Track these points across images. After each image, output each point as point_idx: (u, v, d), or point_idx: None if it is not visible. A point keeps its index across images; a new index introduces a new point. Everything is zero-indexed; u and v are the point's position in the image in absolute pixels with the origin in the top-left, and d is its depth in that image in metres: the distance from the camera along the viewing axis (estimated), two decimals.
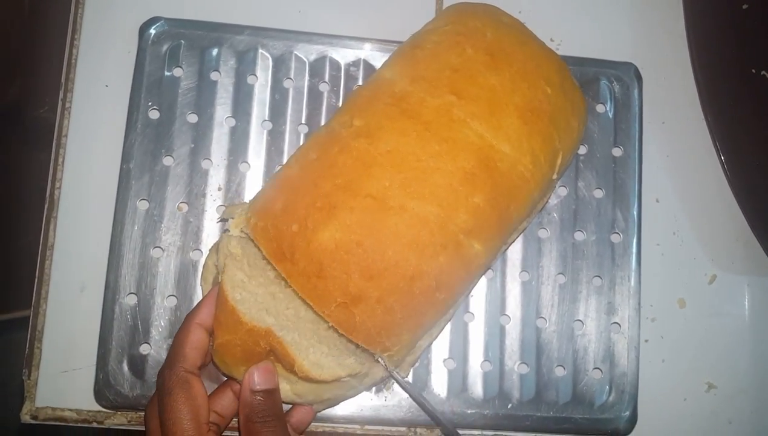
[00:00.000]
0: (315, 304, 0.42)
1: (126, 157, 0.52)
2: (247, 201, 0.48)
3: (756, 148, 0.57)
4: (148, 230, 0.51)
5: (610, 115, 0.57)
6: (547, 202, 0.53)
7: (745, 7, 0.59)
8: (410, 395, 0.50)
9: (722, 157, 0.56)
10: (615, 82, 0.58)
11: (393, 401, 0.51)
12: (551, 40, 0.59)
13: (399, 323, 0.43)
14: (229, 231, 0.45)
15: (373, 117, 0.45)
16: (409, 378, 0.51)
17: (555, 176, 0.49)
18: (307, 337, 0.44)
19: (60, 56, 0.55)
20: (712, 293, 0.58)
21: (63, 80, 0.54)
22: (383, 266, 0.42)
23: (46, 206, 0.52)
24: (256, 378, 0.42)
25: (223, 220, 0.52)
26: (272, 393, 0.42)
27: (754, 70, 0.59)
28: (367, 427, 0.51)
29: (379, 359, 0.48)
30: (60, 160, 0.53)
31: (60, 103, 0.54)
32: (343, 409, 0.51)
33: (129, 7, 0.56)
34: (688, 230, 0.58)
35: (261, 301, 0.44)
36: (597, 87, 0.57)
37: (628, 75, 0.58)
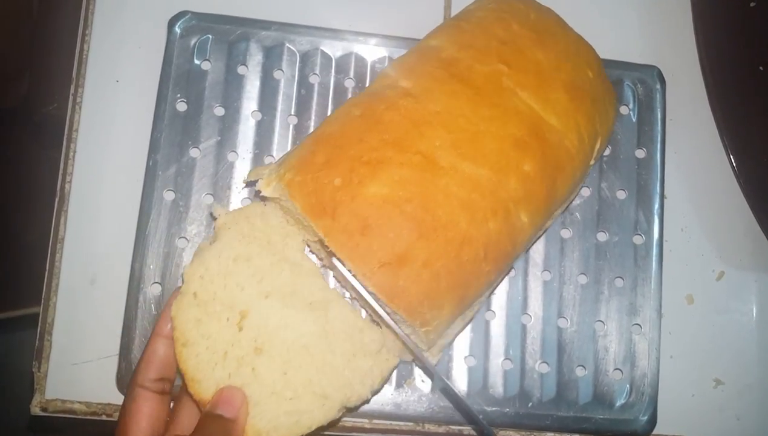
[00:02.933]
0: (356, 264, 0.39)
1: (153, 148, 0.52)
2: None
3: (765, 145, 0.57)
4: (174, 220, 0.51)
5: (634, 117, 0.57)
6: (575, 197, 0.53)
7: (752, 4, 0.60)
8: (443, 390, 0.50)
9: (730, 154, 0.57)
10: (639, 85, 0.58)
11: (413, 396, 0.51)
12: None
13: (443, 292, 0.41)
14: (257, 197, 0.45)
15: (421, 79, 0.44)
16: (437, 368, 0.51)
17: (592, 161, 0.49)
18: (265, 390, 0.41)
19: (70, 53, 0.55)
20: (720, 290, 0.58)
21: (74, 75, 0.54)
22: (433, 225, 0.40)
23: (56, 200, 0.52)
24: (219, 402, 0.39)
25: (249, 184, 0.52)
26: (227, 423, 0.39)
27: (762, 68, 0.59)
28: (375, 421, 0.51)
29: (410, 344, 0.46)
30: (71, 154, 0.53)
31: (71, 97, 0.54)
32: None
33: (139, 5, 0.56)
34: (696, 227, 0.58)
35: (215, 349, 0.41)
36: (621, 89, 0.58)
37: (651, 78, 0.58)
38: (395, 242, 0.39)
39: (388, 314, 0.42)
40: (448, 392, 0.50)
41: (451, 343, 0.49)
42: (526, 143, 0.43)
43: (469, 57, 0.45)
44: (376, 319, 0.45)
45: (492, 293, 0.53)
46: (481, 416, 0.46)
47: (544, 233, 0.53)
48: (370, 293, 0.41)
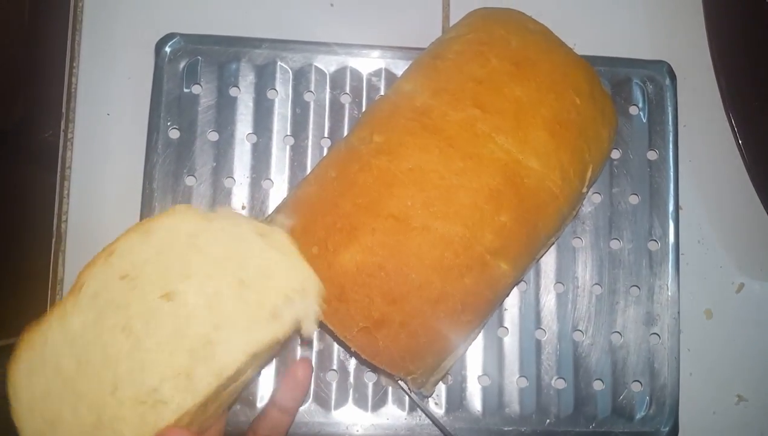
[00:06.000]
0: (337, 328, 0.41)
1: (148, 178, 0.51)
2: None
3: None
4: None
5: (644, 117, 0.55)
6: (576, 214, 0.51)
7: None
8: (427, 415, 0.49)
9: (747, 161, 0.54)
10: (648, 83, 0.55)
11: (426, 420, 0.50)
12: (574, 45, 0.57)
13: (423, 346, 0.42)
14: None
15: (394, 133, 0.43)
16: (438, 394, 0.50)
17: (585, 190, 0.47)
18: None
19: (60, 81, 0.54)
20: (740, 302, 0.56)
21: (64, 110, 0.53)
22: (406, 289, 0.41)
23: (53, 240, 0.51)
24: None
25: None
26: None
27: None
28: None
29: (400, 382, 0.47)
30: (65, 192, 0.52)
31: (62, 134, 0.53)
32: (378, 427, 0.50)
33: (125, 33, 0.55)
34: (712, 238, 0.56)
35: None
36: (629, 88, 0.55)
37: (660, 74, 0.56)
38: (370, 307, 0.40)
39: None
40: (427, 414, 0.50)
41: (444, 377, 0.48)
42: (500, 193, 0.42)
43: (443, 103, 0.43)
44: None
45: (503, 308, 0.52)
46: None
47: (548, 249, 0.51)
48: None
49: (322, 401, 0.50)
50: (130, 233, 0.38)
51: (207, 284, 0.37)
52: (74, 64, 0.53)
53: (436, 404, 0.50)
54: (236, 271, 0.38)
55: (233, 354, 0.36)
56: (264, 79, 0.53)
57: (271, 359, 0.49)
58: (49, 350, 0.36)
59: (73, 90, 0.53)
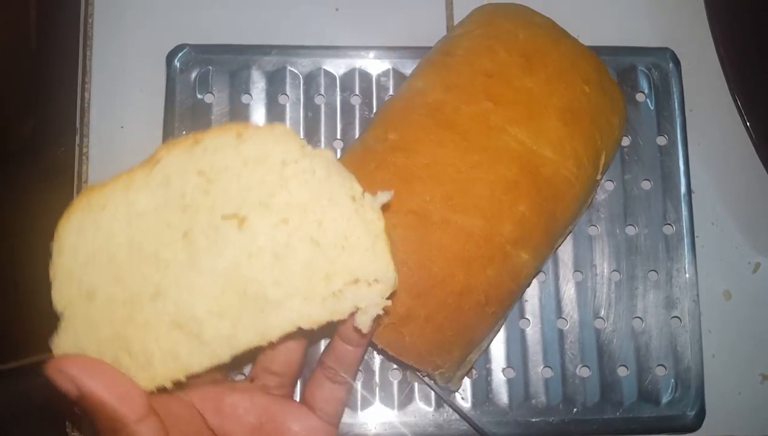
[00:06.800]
0: None
1: None
2: None
3: None
4: None
5: (651, 103, 0.56)
6: (591, 202, 0.51)
7: None
8: (455, 410, 0.50)
9: (755, 141, 0.55)
10: (653, 70, 0.56)
11: (454, 415, 0.50)
12: (578, 36, 0.58)
13: (450, 340, 0.42)
14: None
15: (408, 129, 0.44)
16: (464, 389, 0.50)
17: (599, 177, 0.47)
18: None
19: (73, 94, 0.54)
20: (757, 282, 0.56)
21: (78, 126, 0.53)
22: (430, 283, 0.41)
23: None
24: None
25: None
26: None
27: None
28: None
29: (426, 378, 0.47)
30: None
31: (77, 148, 0.53)
32: (405, 425, 0.50)
33: (136, 46, 0.55)
34: (726, 219, 0.56)
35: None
36: (635, 76, 0.56)
37: (665, 60, 0.56)
38: (395, 303, 0.39)
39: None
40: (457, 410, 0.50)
41: (469, 371, 0.48)
42: (518, 184, 0.42)
43: (455, 98, 0.44)
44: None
45: (524, 300, 0.52)
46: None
47: (566, 237, 0.51)
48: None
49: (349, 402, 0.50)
50: (221, 130, 0.34)
51: (281, 229, 0.33)
52: (86, 80, 0.54)
53: (462, 398, 0.50)
54: (315, 228, 0.33)
55: (283, 321, 0.32)
56: (275, 85, 0.54)
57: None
58: (106, 216, 0.32)
59: (86, 105, 0.54)
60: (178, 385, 0.32)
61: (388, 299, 0.34)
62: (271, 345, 0.33)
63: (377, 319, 0.34)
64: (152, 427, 0.31)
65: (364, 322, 0.34)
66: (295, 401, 0.39)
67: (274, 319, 0.32)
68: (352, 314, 0.33)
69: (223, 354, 0.32)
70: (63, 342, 0.32)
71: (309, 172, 0.33)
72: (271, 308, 0.32)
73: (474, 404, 0.50)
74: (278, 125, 0.34)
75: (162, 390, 0.32)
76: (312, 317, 0.33)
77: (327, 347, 0.39)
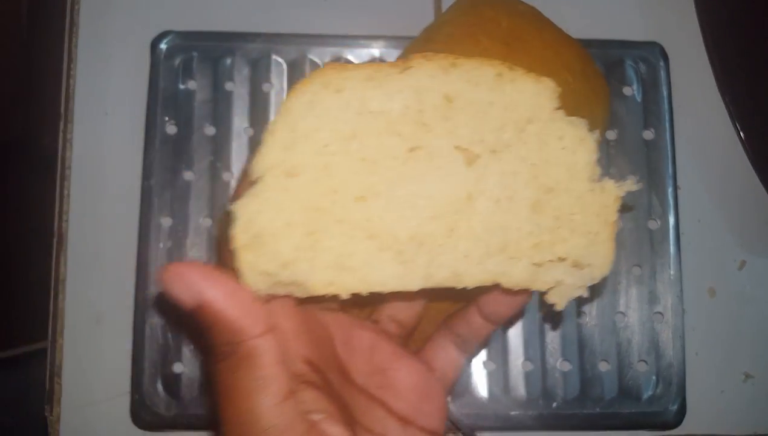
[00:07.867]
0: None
1: (146, 175, 0.51)
2: None
3: None
4: (174, 246, 0.50)
5: (638, 97, 0.55)
6: None
7: None
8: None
9: (742, 138, 0.54)
10: (641, 63, 0.55)
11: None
12: (566, 29, 0.57)
13: None
14: None
15: None
16: None
17: None
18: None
19: (58, 86, 0.54)
20: (742, 279, 0.55)
21: (62, 112, 0.53)
22: None
23: (54, 241, 0.51)
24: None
25: None
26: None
27: None
28: None
29: None
30: (65, 193, 0.52)
31: (61, 135, 0.53)
32: None
33: (121, 33, 0.55)
34: (712, 216, 0.56)
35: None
36: (622, 69, 0.55)
37: (653, 55, 0.56)
38: None
39: None
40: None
41: None
42: None
43: None
44: None
45: None
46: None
47: None
48: None
49: None
50: (482, 63, 0.32)
51: (509, 181, 0.31)
52: (71, 66, 0.53)
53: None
54: (542, 194, 0.31)
55: (482, 273, 0.31)
56: (259, 72, 0.53)
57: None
58: (338, 100, 0.30)
59: (71, 92, 0.53)
60: (342, 301, 0.30)
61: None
62: (461, 293, 0.31)
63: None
64: (272, 344, 0.28)
65: (561, 301, 0.32)
66: (416, 356, 0.37)
67: (475, 268, 0.30)
68: (499, 288, 0.31)
69: (414, 283, 0.30)
70: (245, 208, 0.28)
71: (555, 138, 0.32)
72: (474, 252, 0.30)
73: (452, 397, 0.50)
74: (546, 80, 0.32)
75: (311, 301, 0.30)
76: (513, 278, 0.31)
77: (458, 316, 0.37)
